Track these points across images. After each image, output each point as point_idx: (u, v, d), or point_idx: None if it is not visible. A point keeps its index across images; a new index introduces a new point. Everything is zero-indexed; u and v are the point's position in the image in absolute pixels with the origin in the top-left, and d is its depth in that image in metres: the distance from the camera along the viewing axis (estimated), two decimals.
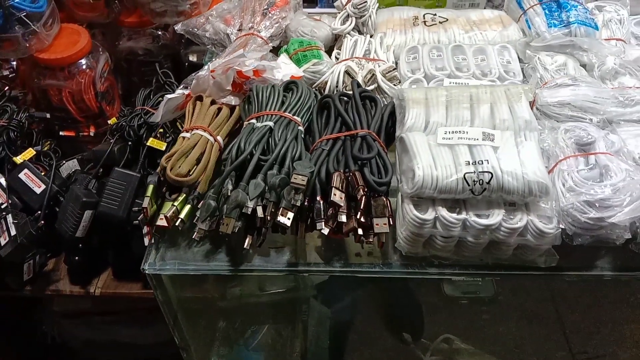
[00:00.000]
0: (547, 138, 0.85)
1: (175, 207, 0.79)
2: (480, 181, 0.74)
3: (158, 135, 1.08)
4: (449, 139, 0.79)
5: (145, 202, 0.80)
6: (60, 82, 1.33)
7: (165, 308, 0.89)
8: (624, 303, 1.19)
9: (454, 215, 0.76)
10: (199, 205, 0.81)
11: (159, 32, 1.48)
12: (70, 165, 1.28)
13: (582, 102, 0.88)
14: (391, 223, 0.78)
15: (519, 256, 0.80)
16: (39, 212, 1.08)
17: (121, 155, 1.11)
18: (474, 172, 0.74)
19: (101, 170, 1.15)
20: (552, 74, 0.96)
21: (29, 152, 1.18)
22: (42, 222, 1.09)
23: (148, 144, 1.04)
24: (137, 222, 0.89)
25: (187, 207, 0.80)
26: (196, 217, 0.80)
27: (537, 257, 0.80)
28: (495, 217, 0.75)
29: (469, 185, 0.74)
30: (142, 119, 1.10)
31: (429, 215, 0.76)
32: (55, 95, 1.35)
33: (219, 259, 0.82)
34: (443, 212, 0.76)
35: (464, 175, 0.74)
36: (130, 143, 1.12)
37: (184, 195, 0.81)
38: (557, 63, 0.98)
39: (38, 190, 1.13)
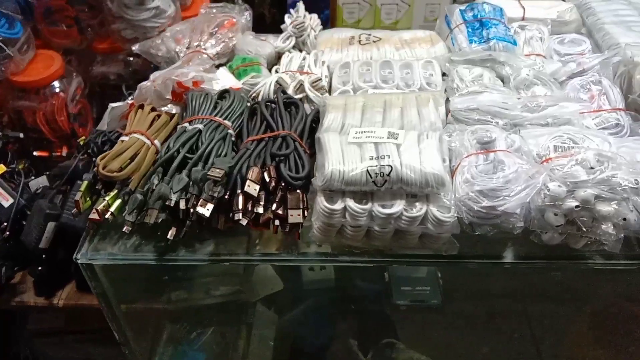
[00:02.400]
0: (456, 140, 0.92)
1: (106, 201, 0.86)
2: (382, 174, 0.81)
3: None
4: (359, 138, 0.87)
5: (78, 196, 0.87)
6: (34, 104, 1.43)
7: (101, 300, 0.94)
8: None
9: (361, 205, 0.82)
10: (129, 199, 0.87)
11: (131, 58, 1.58)
12: (39, 182, 1.35)
13: (489, 107, 0.96)
14: (305, 215, 0.84)
15: (425, 245, 0.86)
16: (5, 224, 1.14)
17: (85, 171, 1.15)
18: (377, 165, 0.81)
19: (67, 186, 1.22)
20: (467, 84, 1.04)
21: (0, 169, 1.25)
22: (7, 233, 1.15)
23: None
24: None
25: (118, 202, 0.87)
26: (125, 211, 0.86)
27: (440, 245, 0.86)
28: (397, 206, 0.81)
29: (371, 177, 0.81)
30: (107, 137, 1.16)
31: (338, 205, 0.82)
32: (29, 116, 1.45)
33: (146, 250, 0.88)
34: (350, 202, 0.82)
35: (367, 169, 0.81)
36: (94, 159, 1.18)
37: (116, 191, 0.88)
38: (474, 74, 1.06)
39: (6, 204, 1.20)
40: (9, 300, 1.32)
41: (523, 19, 1.29)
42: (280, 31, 1.27)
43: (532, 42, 1.20)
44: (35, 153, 1.51)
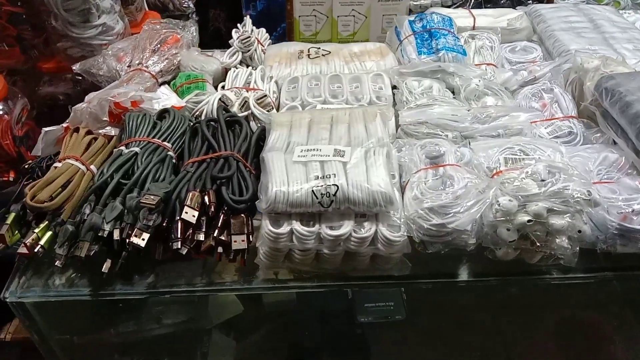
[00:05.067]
0: (405, 154, 0.89)
1: (35, 234, 0.80)
2: (328, 194, 0.77)
3: None
4: (304, 156, 0.83)
5: (3, 230, 0.80)
6: None
7: (37, 339, 0.88)
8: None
9: (307, 228, 0.78)
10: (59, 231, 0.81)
11: (79, 77, 1.49)
12: None
13: (438, 120, 0.94)
14: (251, 240, 0.80)
15: (377, 266, 0.83)
16: None
17: None
18: (322, 185, 0.77)
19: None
20: (416, 96, 1.01)
21: None
22: None
23: None
24: None
25: (49, 234, 0.81)
26: (57, 244, 0.80)
27: (392, 267, 0.82)
28: (345, 227, 0.78)
29: (317, 198, 0.77)
30: (52, 160, 1.08)
31: (284, 229, 0.78)
32: None
33: (80, 285, 0.82)
34: (296, 225, 0.78)
35: (313, 189, 0.77)
36: None
37: (47, 222, 0.82)
38: (423, 87, 1.04)
39: None
40: None
41: (473, 28, 1.28)
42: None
43: (483, 51, 1.18)
44: None
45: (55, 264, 0.79)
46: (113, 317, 1.07)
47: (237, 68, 1.15)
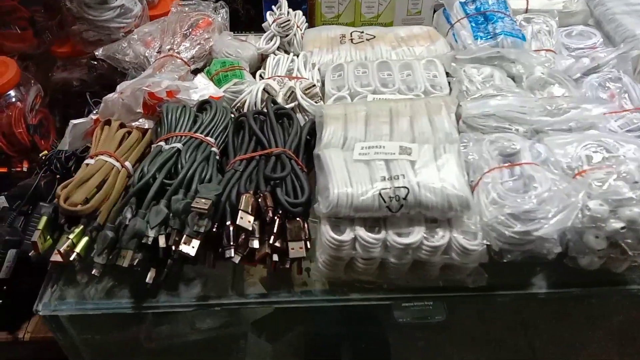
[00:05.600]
0: (472, 151, 0.81)
1: (70, 240, 0.72)
2: (397, 197, 0.69)
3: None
4: (366, 154, 0.75)
5: (35, 236, 0.73)
6: None
7: (72, 354, 0.80)
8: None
9: (373, 234, 0.70)
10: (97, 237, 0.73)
11: (95, 62, 1.44)
12: None
13: (507, 112, 0.85)
14: (308, 247, 0.72)
15: (447, 276, 0.75)
16: None
17: (49, 189, 1.04)
18: (390, 187, 0.70)
19: (29, 206, 1.09)
20: (477, 85, 0.93)
21: None
22: None
23: None
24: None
25: (84, 240, 0.73)
26: (94, 251, 0.72)
27: (465, 277, 0.74)
28: (416, 235, 0.70)
29: (385, 201, 0.69)
30: (71, 151, 1.03)
31: (347, 236, 0.70)
32: None
33: (121, 296, 0.74)
34: (361, 231, 0.70)
35: (380, 192, 0.69)
36: (58, 176, 1.06)
37: (82, 227, 0.74)
38: (483, 75, 0.95)
39: None
40: None
41: (526, 11, 1.19)
42: (257, 29, 1.15)
43: (540, 36, 1.09)
44: None
45: (92, 273, 0.72)
46: (146, 323, 1.00)
47: (276, 54, 1.06)
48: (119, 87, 0.89)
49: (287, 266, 0.73)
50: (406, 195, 0.69)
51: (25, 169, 1.38)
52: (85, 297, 0.75)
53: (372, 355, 1.29)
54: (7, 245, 1.01)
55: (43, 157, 1.15)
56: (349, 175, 0.72)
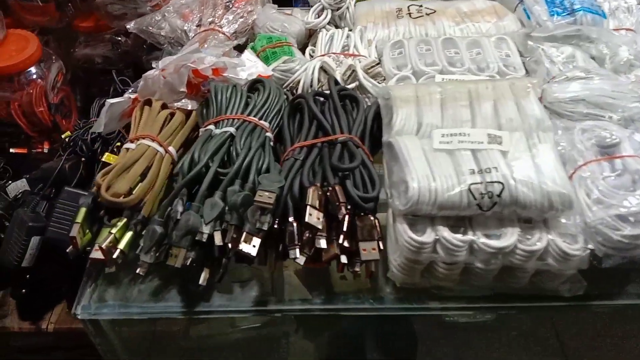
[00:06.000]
0: (562, 140, 0.71)
1: (112, 236, 0.64)
2: (490, 194, 0.60)
3: (115, 149, 0.98)
4: (448, 142, 0.66)
5: (74, 231, 0.64)
6: (7, 94, 1.23)
7: (109, 357, 0.73)
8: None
9: (459, 236, 0.61)
10: (144, 232, 0.65)
11: (119, 38, 1.39)
12: (18, 186, 1.17)
13: (598, 98, 0.75)
14: (381, 247, 0.63)
15: (537, 284, 0.66)
16: None
17: (73, 173, 1.03)
18: (481, 182, 0.60)
19: (52, 190, 1.03)
20: (559, 67, 0.83)
21: None
22: None
23: (103, 159, 0.94)
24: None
25: (128, 235, 0.65)
26: (139, 247, 0.64)
27: (559, 285, 0.65)
28: (509, 237, 0.61)
29: (475, 198, 0.60)
30: (97, 134, 1.01)
31: (428, 237, 0.62)
32: (2, 108, 1.25)
33: (169, 299, 0.66)
34: (445, 232, 0.61)
35: (469, 187, 0.60)
36: (83, 159, 1.04)
37: (125, 219, 0.66)
38: (564, 55, 0.85)
39: None
40: None
41: None
42: (301, 3, 1.05)
43: (618, 14, 0.99)
44: (11, 150, 1.32)
45: (137, 271, 0.64)
46: (184, 321, 0.92)
47: (327, 30, 0.96)
48: (160, 63, 0.80)
49: (357, 270, 0.64)
50: (501, 192, 0.60)
51: (45, 150, 1.33)
52: (128, 299, 0.66)
53: (397, 350, 1.22)
54: (30, 232, 0.96)
55: (67, 139, 1.08)
56: (430, 167, 0.63)
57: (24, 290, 1.05)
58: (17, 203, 1.06)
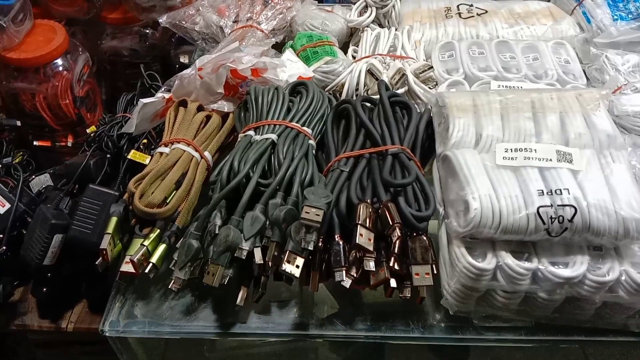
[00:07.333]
0: (632, 158, 0.65)
1: (145, 248, 0.59)
2: (560, 218, 0.54)
3: (141, 146, 0.93)
4: (513, 158, 0.60)
5: (105, 242, 0.60)
6: (33, 86, 1.20)
7: None
8: None
9: (523, 263, 0.56)
10: (178, 245, 0.61)
11: (147, 31, 1.35)
12: (41, 180, 1.13)
13: None
14: (434, 271, 0.58)
15: (602, 317, 0.60)
16: (1, 235, 0.91)
17: (98, 170, 0.97)
18: (551, 205, 0.55)
19: (76, 186, 1.00)
20: (625, 76, 0.77)
21: None
22: (4, 247, 0.93)
23: (129, 157, 0.89)
24: None
25: (162, 248, 0.60)
26: (173, 261, 0.60)
27: (627, 319, 0.59)
28: (579, 266, 0.55)
29: (544, 223, 0.54)
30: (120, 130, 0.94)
31: (489, 263, 0.56)
32: (27, 100, 1.22)
33: (203, 318, 0.62)
34: (508, 259, 0.56)
35: (538, 210, 0.54)
36: (109, 155, 0.98)
37: (158, 230, 0.61)
38: (630, 63, 0.79)
39: (2, 210, 0.98)
40: (9, 323, 1.12)
41: None
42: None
43: None
44: (35, 143, 1.29)
45: (170, 287, 0.59)
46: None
47: (372, 29, 0.90)
48: (197, 62, 0.75)
49: (407, 295, 0.58)
50: (573, 217, 0.54)
51: (69, 144, 1.30)
52: (159, 316, 0.62)
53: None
54: (53, 230, 0.92)
55: (92, 134, 1.05)
56: (493, 186, 0.57)
57: (45, 289, 1.00)
58: (40, 198, 1.03)
